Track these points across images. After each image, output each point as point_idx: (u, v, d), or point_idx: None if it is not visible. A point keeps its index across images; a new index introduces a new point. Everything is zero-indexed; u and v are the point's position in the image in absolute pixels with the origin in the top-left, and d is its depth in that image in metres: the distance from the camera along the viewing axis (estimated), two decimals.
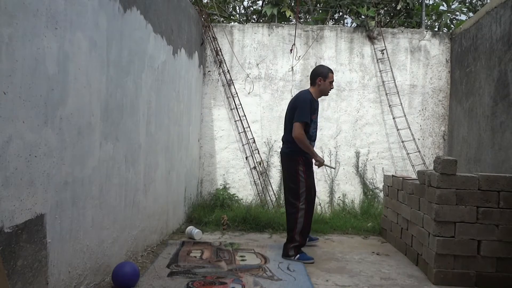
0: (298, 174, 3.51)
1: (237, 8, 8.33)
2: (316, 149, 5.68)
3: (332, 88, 3.71)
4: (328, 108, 5.83)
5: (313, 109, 3.55)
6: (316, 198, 5.75)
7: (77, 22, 2.31)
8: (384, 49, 5.81)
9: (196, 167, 5.61)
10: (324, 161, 3.67)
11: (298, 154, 3.53)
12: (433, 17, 7.00)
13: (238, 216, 4.78)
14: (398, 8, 6.53)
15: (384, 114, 5.85)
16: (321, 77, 3.59)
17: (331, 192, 5.78)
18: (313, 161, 3.66)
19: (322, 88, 3.63)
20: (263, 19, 7.16)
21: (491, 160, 4.48)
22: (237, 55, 5.89)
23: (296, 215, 3.47)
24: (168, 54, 4.01)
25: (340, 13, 6.86)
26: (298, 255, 3.45)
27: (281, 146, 3.76)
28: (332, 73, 3.66)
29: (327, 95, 3.76)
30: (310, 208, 3.57)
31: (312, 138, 3.63)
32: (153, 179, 3.69)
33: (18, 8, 1.82)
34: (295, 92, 5.21)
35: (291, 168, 3.56)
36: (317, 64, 5.84)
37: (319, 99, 3.74)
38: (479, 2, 8.36)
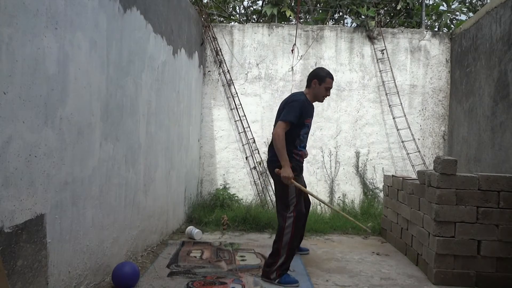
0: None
1: (237, 8, 8.33)
2: (316, 149, 5.71)
3: (328, 95, 3.25)
4: (328, 108, 5.82)
5: (307, 112, 3.14)
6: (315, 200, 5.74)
7: (77, 22, 2.31)
8: (384, 49, 5.80)
9: (196, 167, 5.61)
10: (292, 176, 2.95)
11: None
12: (433, 17, 7.00)
13: (238, 216, 4.78)
14: (398, 8, 6.54)
15: (384, 114, 5.84)
16: (317, 80, 3.18)
17: (331, 192, 5.78)
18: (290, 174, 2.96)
19: (316, 93, 3.20)
20: (263, 19, 7.16)
21: (491, 160, 4.48)
22: (237, 55, 5.89)
23: (283, 225, 3.00)
24: (168, 54, 4.01)
25: (340, 13, 6.86)
26: (279, 278, 2.96)
27: (268, 153, 3.31)
28: (332, 78, 3.20)
29: (321, 101, 3.29)
30: (299, 219, 3.04)
31: (302, 143, 3.19)
32: (153, 179, 3.69)
33: (18, 8, 1.82)
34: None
35: (279, 176, 3.03)
36: (317, 64, 5.84)
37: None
38: (479, 2, 8.36)
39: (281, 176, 2.95)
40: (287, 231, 2.99)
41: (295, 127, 3.05)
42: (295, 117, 3.03)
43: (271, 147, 3.16)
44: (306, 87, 3.29)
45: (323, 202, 3.40)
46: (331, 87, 3.23)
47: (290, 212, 3.01)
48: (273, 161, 3.10)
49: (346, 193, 5.78)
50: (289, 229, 2.99)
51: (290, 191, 3.03)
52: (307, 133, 3.25)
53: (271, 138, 3.17)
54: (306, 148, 3.37)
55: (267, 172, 5.68)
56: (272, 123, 5.74)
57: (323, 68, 3.34)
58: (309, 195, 3.36)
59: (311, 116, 3.24)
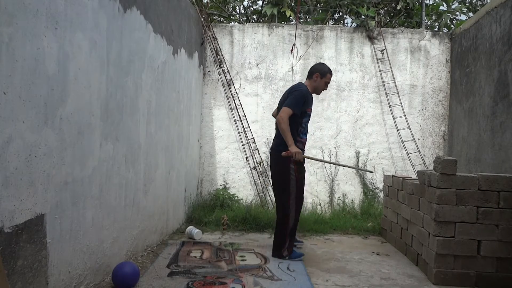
0: (288, 171, 3.38)
1: (237, 8, 8.33)
2: (316, 149, 5.72)
3: (325, 89, 3.64)
4: (328, 108, 5.83)
5: (308, 102, 3.46)
6: (316, 198, 5.75)
7: (77, 22, 2.31)
8: (384, 49, 5.80)
9: (196, 167, 5.61)
10: (297, 152, 3.31)
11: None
12: (433, 17, 7.00)
13: (238, 216, 4.78)
14: (398, 8, 6.54)
15: (384, 114, 5.85)
16: (319, 74, 3.52)
17: (331, 192, 5.78)
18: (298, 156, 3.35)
19: (316, 85, 3.55)
20: (263, 19, 7.16)
21: (491, 160, 4.48)
22: (237, 55, 5.89)
23: (287, 211, 3.43)
24: (168, 54, 4.01)
25: (340, 13, 6.86)
26: (289, 255, 3.49)
27: (272, 142, 3.65)
28: (331, 74, 3.59)
29: (319, 94, 3.67)
30: (299, 207, 3.49)
31: (304, 130, 3.52)
32: (153, 179, 3.69)
33: (18, 8, 1.82)
34: None
35: (281, 164, 3.39)
36: None
37: (316, 99, 3.74)
38: (479, 2, 8.36)
39: (292, 154, 3.28)
40: (292, 219, 3.44)
41: (297, 116, 3.39)
42: (298, 108, 3.36)
43: (277, 136, 3.50)
44: (307, 79, 3.61)
45: (326, 161, 3.77)
46: (329, 82, 3.62)
47: (292, 201, 3.41)
48: (279, 150, 3.41)
49: (346, 193, 5.78)
50: (293, 217, 3.44)
51: (292, 182, 3.38)
52: (308, 122, 3.59)
53: (271, 138, 3.47)
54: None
55: (268, 163, 5.69)
56: (272, 123, 5.78)
57: (325, 64, 3.69)
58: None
59: (311, 106, 3.56)
